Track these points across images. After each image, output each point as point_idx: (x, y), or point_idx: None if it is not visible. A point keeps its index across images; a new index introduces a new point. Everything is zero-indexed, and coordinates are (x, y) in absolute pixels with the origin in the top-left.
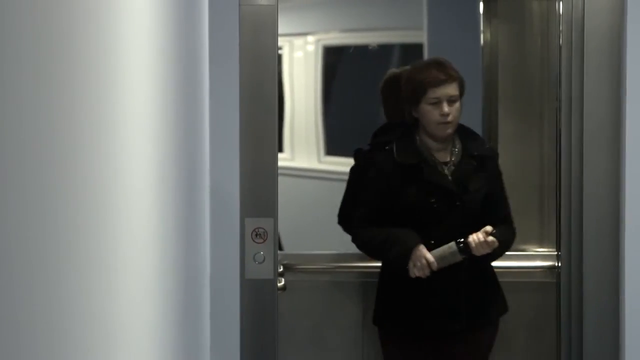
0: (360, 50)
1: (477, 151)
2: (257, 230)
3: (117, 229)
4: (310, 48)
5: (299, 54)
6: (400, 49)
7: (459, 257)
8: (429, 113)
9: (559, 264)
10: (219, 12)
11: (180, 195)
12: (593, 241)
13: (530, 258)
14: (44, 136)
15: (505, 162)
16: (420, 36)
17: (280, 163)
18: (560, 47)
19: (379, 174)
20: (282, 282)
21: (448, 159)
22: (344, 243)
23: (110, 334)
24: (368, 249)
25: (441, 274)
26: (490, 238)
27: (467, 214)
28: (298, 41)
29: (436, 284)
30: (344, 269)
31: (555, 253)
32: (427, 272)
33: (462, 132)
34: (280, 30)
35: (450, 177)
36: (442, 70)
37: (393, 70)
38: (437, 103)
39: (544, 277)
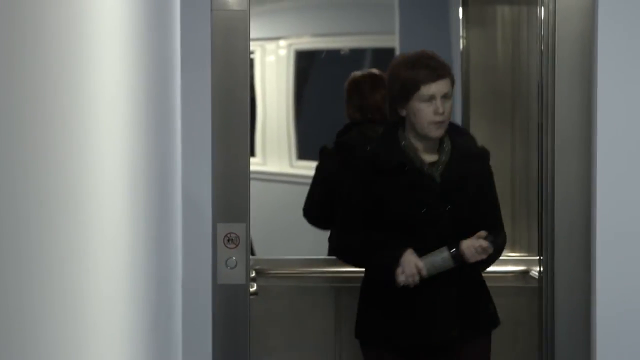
0: (332, 55)
1: (468, 150)
2: (229, 235)
3: (88, 232)
4: (283, 52)
5: (271, 59)
6: (372, 54)
7: (451, 264)
8: (421, 111)
9: (541, 269)
10: (190, 16)
11: (152, 200)
12: (565, 246)
13: (501, 263)
14: (15, 138)
15: None
16: (392, 40)
17: (252, 167)
18: (541, 52)
19: (359, 178)
20: (255, 287)
21: (436, 159)
22: (316, 248)
23: (81, 337)
24: (350, 256)
25: (427, 283)
26: (485, 243)
27: (459, 219)
28: (270, 45)
29: (422, 293)
30: (316, 274)
31: (527, 257)
32: (416, 280)
33: (451, 129)
34: (252, 35)
35: (438, 180)
36: (436, 65)
37: (355, 72)
38: (431, 100)
39: (515, 282)
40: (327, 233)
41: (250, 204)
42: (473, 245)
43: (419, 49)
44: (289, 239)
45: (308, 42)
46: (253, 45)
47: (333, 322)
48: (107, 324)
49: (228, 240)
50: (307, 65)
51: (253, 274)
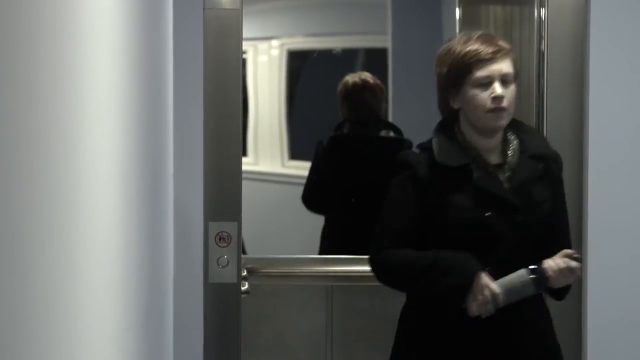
0: (325, 55)
1: (540, 152)
2: (220, 234)
3: (80, 232)
4: (275, 52)
5: (263, 58)
6: (364, 54)
7: (532, 290)
8: (476, 98)
9: None
10: (183, 15)
11: (144, 199)
12: None
13: None
14: (6, 139)
15: None
16: (385, 41)
17: (244, 167)
18: (539, 52)
19: (409, 183)
20: (246, 286)
21: (501, 161)
22: (307, 247)
23: (73, 336)
24: (402, 278)
25: (482, 319)
26: (573, 263)
27: (530, 233)
28: (262, 45)
29: (473, 331)
30: (308, 273)
31: None
32: (491, 309)
33: (518, 128)
34: (244, 35)
35: (506, 185)
36: (491, 43)
37: (348, 75)
38: (487, 84)
39: None
40: (320, 223)
41: (242, 203)
42: (559, 267)
43: (480, 31)
44: (281, 238)
45: (300, 42)
46: (245, 45)
47: (324, 322)
48: (98, 322)
49: (220, 239)
50: (299, 65)
51: (244, 273)
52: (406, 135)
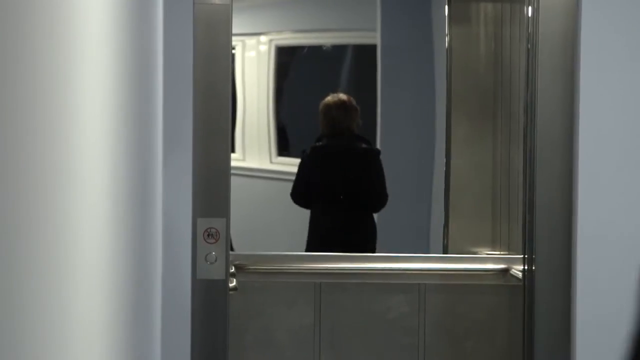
0: (313, 51)
1: None
2: (209, 230)
3: (70, 228)
4: (263, 48)
5: (251, 54)
6: (353, 50)
7: None
8: None
9: (525, 267)
10: (173, 10)
11: (133, 194)
12: (546, 244)
13: (481, 261)
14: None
15: (458, 164)
16: (374, 37)
17: (231, 163)
18: (527, 50)
19: None
20: (234, 283)
21: None
22: (295, 244)
23: (63, 332)
24: None
25: None
26: None
27: None
28: (251, 41)
29: None
30: (295, 270)
31: (507, 255)
32: None
33: None
34: (233, 30)
35: None
36: None
37: (327, 97)
38: None
39: (495, 280)
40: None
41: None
42: None
43: None
44: (269, 234)
45: (289, 38)
46: (234, 41)
47: (313, 318)
48: (86, 318)
49: (208, 235)
50: (287, 61)
51: (232, 270)
52: (398, 131)
